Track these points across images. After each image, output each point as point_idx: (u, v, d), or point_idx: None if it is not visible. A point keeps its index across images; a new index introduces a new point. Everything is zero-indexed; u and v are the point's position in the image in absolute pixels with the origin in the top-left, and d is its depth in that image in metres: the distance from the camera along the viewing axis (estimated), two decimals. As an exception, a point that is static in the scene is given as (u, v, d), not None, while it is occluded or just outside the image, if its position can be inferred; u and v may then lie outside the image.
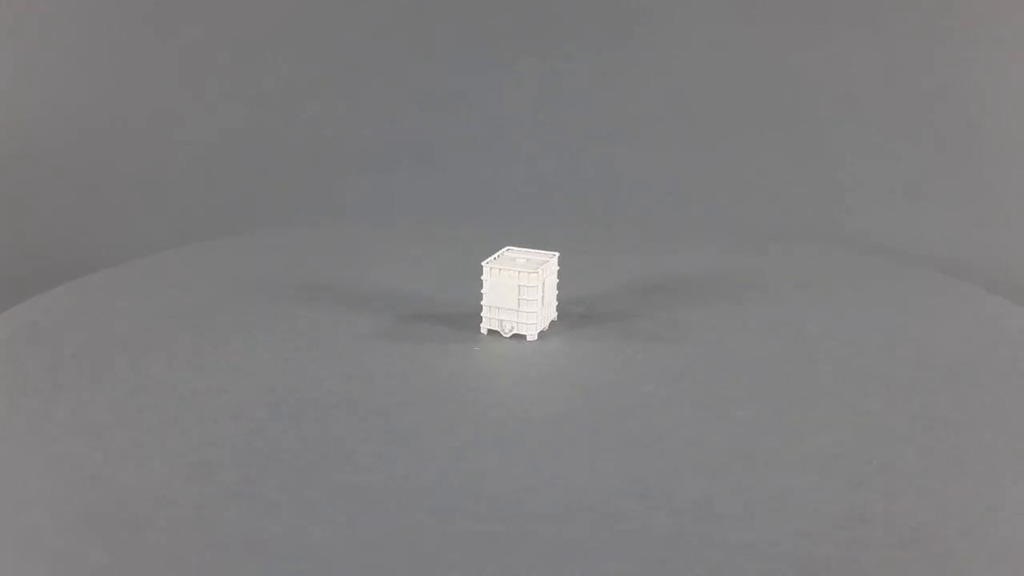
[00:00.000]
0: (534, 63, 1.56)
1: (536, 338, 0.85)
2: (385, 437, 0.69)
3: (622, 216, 1.45)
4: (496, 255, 0.88)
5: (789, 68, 1.56)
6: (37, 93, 1.58)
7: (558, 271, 0.89)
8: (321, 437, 0.69)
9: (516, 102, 1.56)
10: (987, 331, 0.91)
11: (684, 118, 1.56)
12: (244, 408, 0.73)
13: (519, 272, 0.84)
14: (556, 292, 0.89)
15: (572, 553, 0.57)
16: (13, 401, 0.74)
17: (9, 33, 1.57)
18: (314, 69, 1.58)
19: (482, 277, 0.85)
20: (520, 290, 0.84)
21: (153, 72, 1.58)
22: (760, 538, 0.59)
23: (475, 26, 1.55)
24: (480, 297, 0.86)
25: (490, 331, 0.86)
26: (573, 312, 0.91)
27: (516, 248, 0.90)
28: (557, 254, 0.89)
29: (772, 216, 1.48)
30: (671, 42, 1.58)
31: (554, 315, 0.90)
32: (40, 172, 1.55)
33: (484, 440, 0.70)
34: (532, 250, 0.89)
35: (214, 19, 1.58)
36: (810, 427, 0.72)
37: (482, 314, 0.86)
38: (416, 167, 1.52)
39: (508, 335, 0.85)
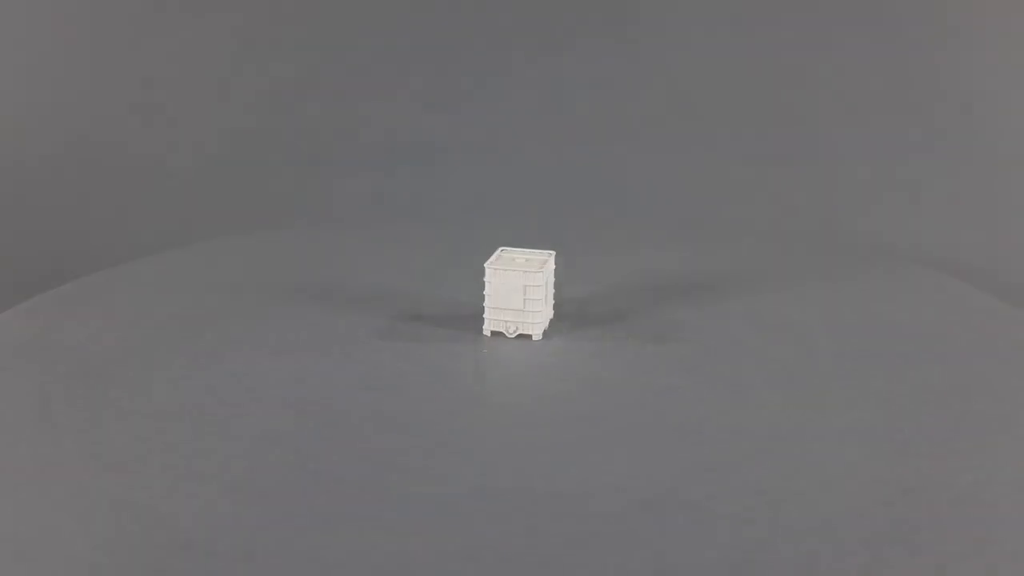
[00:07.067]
0: (534, 63, 1.56)
1: (541, 337, 0.88)
2: (423, 445, 0.70)
3: (621, 215, 1.46)
4: (494, 256, 0.89)
5: (788, 68, 1.56)
6: (36, 93, 1.57)
7: (555, 270, 0.91)
8: (355, 449, 0.70)
9: (516, 102, 1.56)
10: (981, 326, 0.94)
11: (683, 117, 1.56)
12: (265, 423, 0.73)
13: (524, 272, 0.86)
14: (554, 291, 0.91)
15: (611, 550, 0.59)
16: (13, 413, 0.74)
17: (8, 32, 1.55)
18: (314, 69, 1.57)
19: (484, 279, 0.87)
20: (525, 290, 0.86)
21: (153, 72, 1.57)
22: (813, 517, 0.62)
23: (475, 25, 1.55)
24: (482, 298, 0.87)
25: (493, 332, 0.88)
26: (574, 312, 0.93)
27: (511, 248, 0.91)
28: (554, 253, 0.90)
29: (771, 215, 1.49)
30: (671, 41, 1.57)
31: (551, 313, 0.91)
32: (40, 172, 1.54)
33: (515, 441, 0.71)
34: (528, 249, 0.90)
35: (214, 19, 1.56)
36: (828, 411, 0.76)
37: (485, 316, 0.88)
38: (416, 167, 1.53)
39: (513, 335, 0.88)
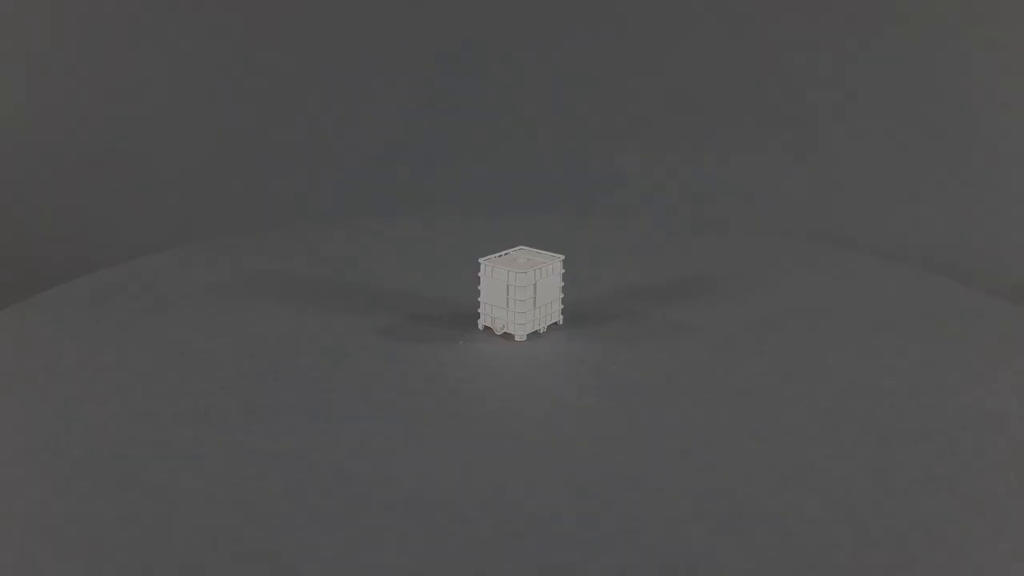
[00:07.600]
0: (534, 63, 1.56)
1: (525, 338, 0.87)
2: (319, 424, 0.73)
3: (623, 216, 1.44)
4: (501, 254, 0.90)
5: (789, 68, 1.55)
6: (37, 93, 1.68)
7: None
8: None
9: (516, 102, 1.56)
10: (974, 329, 0.87)
11: (684, 118, 1.55)
12: (236, 403, 0.77)
13: (509, 272, 0.86)
14: (561, 295, 0.90)
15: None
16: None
17: (9, 33, 1.67)
18: (314, 69, 1.61)
19: (479, 274, 0.88)
20: (509, 290, 0.86)
21: (153, 72, 1.65)
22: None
23: (475, 25, 1.56)
24: (479, 293, 0.89)
25: (486, 327, 0.89)
26: (582, 314, 0.91)
27: (527, 248, 0.91)
28: (562, 257, 0.89)
29: (772, 216, 1.47)
30: (671, 42, 1.56)
31: (558, 318, 0.90)
32: (40, 172, 1.64)
33: (461, 442, 0.71)
34: (540, 251, 0.90)
35: (214, 19, 1.64)
36: (725, 457, 0.68)
37: (479, 310, 0.89)
38: (416, 167, 1.54)
39: (499, 333, 0.88)
